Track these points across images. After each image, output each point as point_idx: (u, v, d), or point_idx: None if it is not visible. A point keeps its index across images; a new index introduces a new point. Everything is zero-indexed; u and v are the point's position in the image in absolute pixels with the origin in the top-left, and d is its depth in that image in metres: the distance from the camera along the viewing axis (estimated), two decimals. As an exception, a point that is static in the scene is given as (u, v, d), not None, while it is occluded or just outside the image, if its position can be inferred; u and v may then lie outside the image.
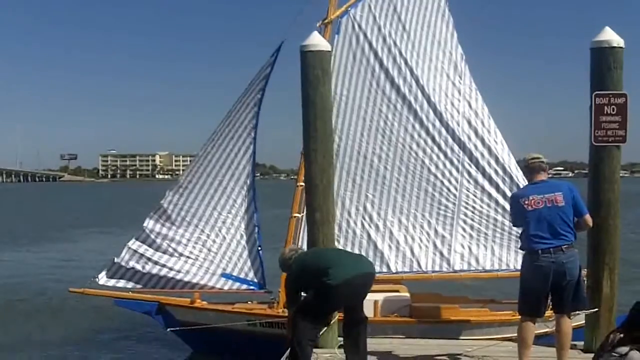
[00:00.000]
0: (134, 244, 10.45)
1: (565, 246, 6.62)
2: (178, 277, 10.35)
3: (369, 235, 10.43)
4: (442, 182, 10.73)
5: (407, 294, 10.32)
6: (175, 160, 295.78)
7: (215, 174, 10.73)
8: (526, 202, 6.72)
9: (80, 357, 11.94)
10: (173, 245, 10.52)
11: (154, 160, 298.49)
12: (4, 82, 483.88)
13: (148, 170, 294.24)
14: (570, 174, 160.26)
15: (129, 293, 10.41)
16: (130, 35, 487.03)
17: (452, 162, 10.78)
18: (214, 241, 10.58)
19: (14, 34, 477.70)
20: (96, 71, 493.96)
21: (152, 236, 10.51)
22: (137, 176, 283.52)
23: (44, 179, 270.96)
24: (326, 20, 10.90)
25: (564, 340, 6.78)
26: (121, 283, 10.35)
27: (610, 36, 7.69)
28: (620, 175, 7.99)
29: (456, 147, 10.81)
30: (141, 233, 10.52)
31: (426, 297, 10.71)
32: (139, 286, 10.37)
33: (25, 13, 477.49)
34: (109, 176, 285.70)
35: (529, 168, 7.00)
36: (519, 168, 10.90)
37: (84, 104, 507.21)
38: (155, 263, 10.38)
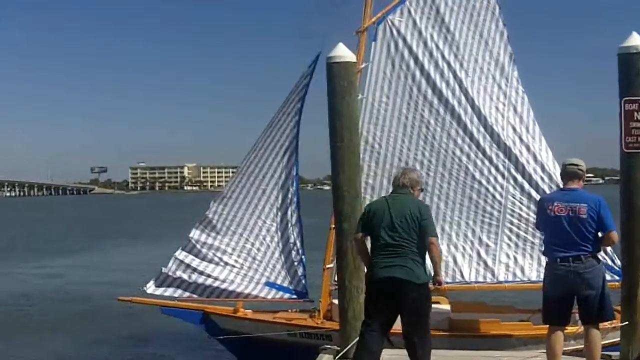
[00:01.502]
0: (180, 254, 10.96)
1: (584, 256, 6.58)
2: (223, 286, 10.77)
3: (408, 244, 10.35)
4: (487, 188, 10.56)
5: (447, 306, 10.19)
6: (204, 172, 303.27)
7: (259, 184, 11.03)
8: (550, 207, 6.74)
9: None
10: (218, 254, 10.94)
11: (182, 172, 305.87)
12: (36, 96, 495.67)
13: (177, 182, 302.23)
14: (600, 181, 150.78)
15: (175, 302, 10.91)
16: (160, 44, 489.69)
17: (497, 168, 10.60)
18: (258, 250, 10.91)
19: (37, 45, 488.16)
20: (123, 83, 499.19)
21: (198, 246, 10.98)
22: (166, 188, 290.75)
23: (74, 192, 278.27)
24: (361, 29, 10.88)
25: (594, 351, 6.77)
26: (168, 292, 10.90)
27: (638, 41, 7.49)
28: None
29: (501, 153, 10.66)
30: (187, 243, 11.02)
31: (470, 307, 10.56)
32: (185, 295, 10.87)
33: (58, 20, 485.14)
34: (139, 188, 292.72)
35: (565, 172, 7.00)
36: None
37: (114, 117, 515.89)
38: (201, 273, 10.85)
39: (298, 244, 10.82)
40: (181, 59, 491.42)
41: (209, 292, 10.82)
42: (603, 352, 7.15)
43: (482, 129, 10.63)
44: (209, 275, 10.83)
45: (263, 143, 11.04)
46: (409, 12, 11.01)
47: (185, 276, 10.83)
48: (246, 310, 11.09)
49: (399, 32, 10.96)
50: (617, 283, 7.95)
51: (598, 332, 6.78)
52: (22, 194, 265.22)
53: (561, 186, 7.12)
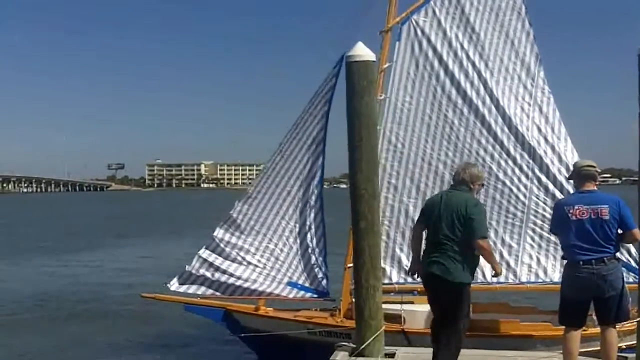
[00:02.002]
0: (204, 252, 11.07)
1: (607, 258, 6.67)
2: (246, 285, 10.87)
3: (431, 245, 10.40)
4: (510, 189, 10.59)
5: None
6: (220, 169, 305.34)
7: (285, 185, 11.07)
8: (571, 211, 6.79)
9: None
10: (242, 253, 11.04)
11: (199, 170, 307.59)
12: (53, 92, 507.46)
13: (193, 179, 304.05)
14: (617, 181, 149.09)
15: (198, 299, 11.03)
16: (175, 44, 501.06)
17: (521, 169, 10.61)
18: (281, 250, 10.99)
19: (57, 44, 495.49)
20: (142, 80, 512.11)
21: (222, 245, 11.07)
22: (183, 185, 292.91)
23: (91, 189, 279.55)
24: (385, 29, 10.92)
25: (610, 351, 6.84)
26: (192, 289, 11.01)
27: None
28: None
29: (526, 154, 10.69)
30: (211, 242, 11.12)
31: (491, 307, 10.59)
32: (208, 293, 10.98)
33: (64, 21, 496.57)
34: (155, 185, 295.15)
35: (581, 175, 7.03)
36: None
37: (131, 114, 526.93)
38: (224, 271, 10.95)
39: (321, 245, 10.89)
40: (199, 58, 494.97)
41: (232, 290, 10.92)
42: (619, 354, 7.18)
43: (506, 129, 10.65)
44: (232, 274, 10.93)
45: (289, 145, 11.03)
46: (434, 12, 11.04)
47: (208, 274, 10.94)
48: (267, 309, 11.19)
49: (423, 32, 11.00)
50: (634, 285, 7.90)
51: (615, 332, 6.87)
52: (39, 190, 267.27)
53: (579, 189, 7.07)
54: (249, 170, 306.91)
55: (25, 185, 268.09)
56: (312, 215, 10.97)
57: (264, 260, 11.00)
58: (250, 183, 11.75)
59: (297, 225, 11.01)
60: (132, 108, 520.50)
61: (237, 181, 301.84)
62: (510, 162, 10.61)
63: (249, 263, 10.98)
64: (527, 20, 11.11)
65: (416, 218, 10.52)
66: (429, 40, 11.01)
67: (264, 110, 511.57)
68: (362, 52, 8.19)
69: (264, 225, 11.10)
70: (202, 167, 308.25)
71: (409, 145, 10.89)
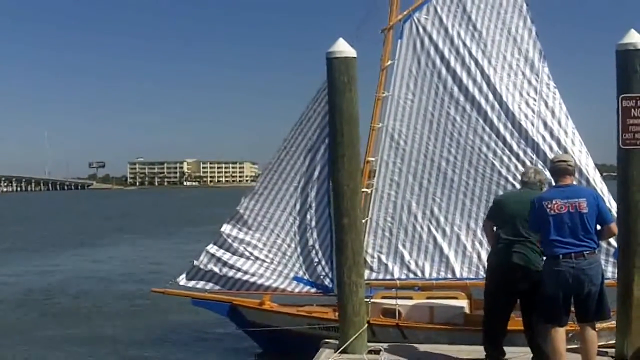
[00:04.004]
0: (212, 248, 11.32)
1: (587, 252, 6.70)
2: (252, 279, 11.14)
3: (435, 240, 10.78)
4: (513, 184, 10.84)
5: (465, 302, 10.52)
6: (203, 167, 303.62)
7: (291, 180, 11.25)
8: (549, 206, 6.82)
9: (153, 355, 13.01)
10: (249, 249, 11.29)
11: (182, 168, 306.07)
12: (32, 90, 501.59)
13: (176, 177, 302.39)
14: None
15: (206, 294, 11.27)
16: (156, 41, 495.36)
17: (524, 164, 10.83)
18: (288, 245, 11.22)
19: (38, 41, 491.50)
20: (124, 78, 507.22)
21: (229, 240, 11.32)
22: (165, 183, 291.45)
23: (72, 187, 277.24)
24: (387, 27, 11.19)
25: (590, 350, 6.86)
26: (200, 284, 11.30)
27: (636, 38, 7.65)
28: None
29: (529, 149, 10.96)
30: (219, 238, 11.38)
31: None
32: (216, 287, 11.27)
33: (48, 18, 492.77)
34: (137, 184, 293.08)
35: (555, 170, 7.12)
36: (596, 170, 10.77)
37: (113, 112, 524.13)
38: (232, 266, 11.22)
39: (327, 241, 11.11)
40: (182, 55, 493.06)
41: (239, 285, 11.19)
42: (599, 350, 7.14)
43: (509, 125, 10.93)
44: (239, 269, 11.19)
45: (294, 141, 11.23)
46: (435, 10, 11.36)
47: (216, 269, 11.20)
48: (272, 303, 11.44)
49: (425, 29, 11.30)
50: (613, 281, 8.05)
51: (595, 332, 6.87)
52: (18, 189, 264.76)
53: (556, 184, 7.14)
54: (232, 168, 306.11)
55: (5, 184, 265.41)
56: (320, 211, 11.17)
57: (270, 255, 11.23)
58: (255, 180, 11.98)
59: (304, 221, 11.21)
60: (114, 106, 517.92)
61: (221, 179, 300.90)
62: (513, 158, 10.89)
63: (257, 258, 11.22)
64: (528, 18, 11.37)
65: (418, 215, 10.92)
66: (430, 38, 11.31)
67: (248, 108, 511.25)
68: (343, 48, 8.26)
69: (271, 221, 11.31)
70: (185, 165, 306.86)
71: (412, 142, 11.17)
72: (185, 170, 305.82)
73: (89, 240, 37.86)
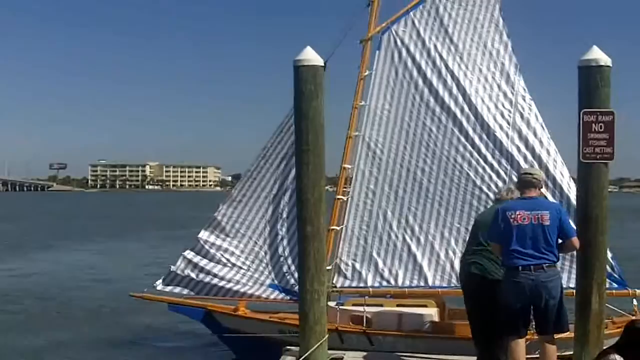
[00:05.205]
0: (189, 253, 11.48)
1: (546, 265, 6.88)
2: (228, 285, 11.31)
3: (409, 249, 10.97)
4: (487, 195, 11.06)
5: (434, 310, 10.76)
6: (166, 171, 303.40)
7: (269, 189, 11.49)
8: (512, 216, 7.00)
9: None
10: (226, 255, 11.46)
11: (144, 171, 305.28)
12: None
13: (138, 180, 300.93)
14: None
15: (181, 299, 11.36)
16: (121, 37, 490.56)
17: (499, 175, 11.08)
18: (265, 252, 11.42)
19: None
20: (87, 78, 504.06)
21: (207, 247, 11.48)
22: (127, 186, 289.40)
23: (32, 189, 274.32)
24: (365, 38, 11.42)
25: None
26: (177, 290, 11.41)
27: (598, 55, 7.98)
28: (609, 190, 8.24)
29: (504, 160, 11.10)
30: (196, 244, 11.53)
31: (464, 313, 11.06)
32: (192, 293, 11.37)
33: (23, 14, 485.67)
34: (98, 186, 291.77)
35: (521, 181, 7.38)
36: (572, 179, 11.05)
37: (74, 114, 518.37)
38: (208, 272, 11.40)
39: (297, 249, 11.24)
40: (144, 53, 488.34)
41: (215, 290, 11.35)
42: (559, 355, 7.32)
43: (484, 137, 11.15)
44: (215, 275, 11.37)
45: (274, 149, 11.45)
46: (413, 22, 11.61)
47: (193, 275, 11.35)
48: (246, 310, 11.55)
49: (402, 41, 11.56)
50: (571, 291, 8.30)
51: (554, 345, 7.05)
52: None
53: (521, 195, 7.36)
54: (196, 172, 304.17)
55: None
56: (290, 218, 11.33)
57: (247, 262, 11.42)
58: (234, 187, 12.07)
59: (278, 229, 11.42)
60: (77, 107, 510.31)
61: (184, 183, 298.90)
62: (487, 168, 11.10)
63: (233, 265, 11.40)
64: (504, 32, 11.64)
65: (393, 223, 11.11)
66: (408, 50, 11.56)
67: (213, 113, 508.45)
68: (310, 56, 8.38)
69: (248, 228, 11.50)
70: (147, 168, 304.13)
71: (388, 151, 11.36)
72: (148, 174, 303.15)
73: (50, 243, 37.57)
